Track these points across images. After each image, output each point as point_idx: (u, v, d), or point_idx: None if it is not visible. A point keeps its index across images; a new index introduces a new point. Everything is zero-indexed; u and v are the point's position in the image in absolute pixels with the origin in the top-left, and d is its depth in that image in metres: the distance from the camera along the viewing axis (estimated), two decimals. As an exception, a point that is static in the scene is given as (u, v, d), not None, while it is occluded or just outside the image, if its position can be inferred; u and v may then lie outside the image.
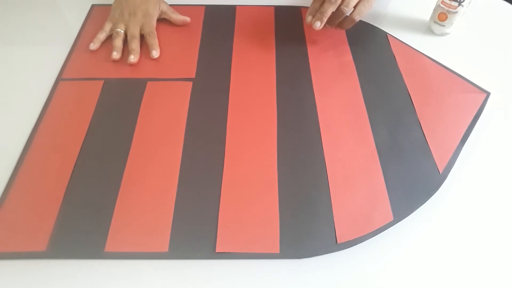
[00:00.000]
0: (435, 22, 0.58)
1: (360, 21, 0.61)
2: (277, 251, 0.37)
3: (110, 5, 0.62)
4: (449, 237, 0.39)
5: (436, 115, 0.48)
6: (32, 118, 0.47)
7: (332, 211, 0.40)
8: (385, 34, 0.59)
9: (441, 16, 0.57)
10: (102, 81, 0.51)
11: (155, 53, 0.54)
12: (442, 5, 0.56)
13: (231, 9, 0.63)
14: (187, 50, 0.56)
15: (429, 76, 0.52)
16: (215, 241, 0.37)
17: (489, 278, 0.36)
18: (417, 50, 0.56)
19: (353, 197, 0.41)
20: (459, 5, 0.54)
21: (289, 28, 0.60)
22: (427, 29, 0.61)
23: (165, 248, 0.37)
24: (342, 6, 0.51)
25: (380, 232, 0.38)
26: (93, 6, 0.63)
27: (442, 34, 0.59)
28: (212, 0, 0.64)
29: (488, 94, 0.51)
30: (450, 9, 0.55)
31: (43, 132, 0.46)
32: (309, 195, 0.41)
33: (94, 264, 0.36)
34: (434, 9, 0.58)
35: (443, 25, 0.58)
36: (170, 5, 0.63)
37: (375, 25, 0.61)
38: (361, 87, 0.51)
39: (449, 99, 0.50)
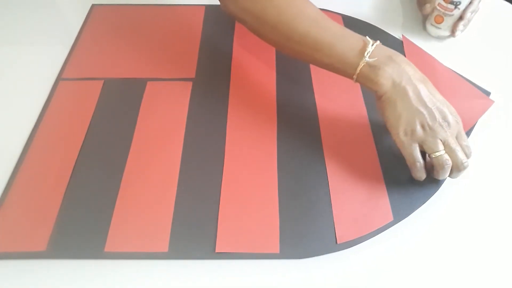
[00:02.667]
0: (431, 24, 0.58)
1: (360, 21, 0.61)
2: (277, 251, 0.37)
3: (110, 5, 0.62)
4: (449, 237, 0.39)
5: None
6: (32, 118, 0.47)
7: (332, 211, 0.40)
8: (385, 34, 0.59)
9: (438, 18, 0.57)
10: (102, 81, 0.51)
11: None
12: (438, 8, 0.56)
13: (231, 9, 0.63)
14: (187, 50, 0.56)
15: (435, 78, 0.52)
16: (215, 241, 0.37)
17: (489, 278, 0.36)
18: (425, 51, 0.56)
19: (353, 197, 0.41)
20: (455, 7, 0.54)
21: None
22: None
23: (165, 248, 0.37)
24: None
25: (380, 232, 0.38)
26: (93, 6, 0.63)
27: (439, 37, 0.59)
28: (212, 0, 0.64)
29: (488, 93, 0.51)
30: (447, 12, 0.55)
31: (43, 132, 0.46)
32: (309, 195, 0.41)
33: (94, 264, 0.36)
34: (431, 12, 0.58)
35: (439, 28, 0.57)
36: (170, 5, 0.63)
37: (375, 25, 0.61)
38: (362, 87, 0.51)
39: (453, 102, 0.49)
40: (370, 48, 0.39)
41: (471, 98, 0.50)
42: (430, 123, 0.38)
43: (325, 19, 0.42)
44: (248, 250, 0.37)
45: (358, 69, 0.40)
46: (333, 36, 0.41)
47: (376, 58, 0.39)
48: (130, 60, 0.54)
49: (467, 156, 0.40)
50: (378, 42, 0.41)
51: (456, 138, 0.40)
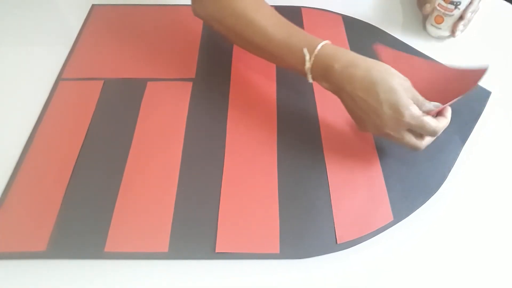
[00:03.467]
0: (431, 24, 0.58)
1: (360, 21, 0.61)
2: (277, 251, 0.37)
3: (110, 5, 0.62)
4: (449, 237, 0.39)
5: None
6: (32, 118, 0.47)
7: (332, 211, 0.40)
8: (385, 34, 0.59)
9: (438, 18, 0.57)
10: (102, 81, 0.51)
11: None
12: (438, 8, 0.56)
13: (231, 9, 0.63)
14: (187, 50, 0.56)
15: (417, 76, 0.51)
16: (215, 241, 0.37)
17: (489, 278, 0.36)
18: (417, 50, 0.56)
19: (353, 197, 0.41)
20: (455, 8, 0.54)
21: (289, 28, 0.60)
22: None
23: (165, 248, 0.37)
24: None
25: (380, 232, 0.38)
26: (93, 6, 0.63)
27: (439, 37, 0.59)
28: (212, 0, 0.64)
29: (489, 93, 0.51)
30: (447, 12, 0.55)
31: (43, 132, 0.46)
32: (309, 195, 0.41)
33: (94, 264, 0.36)
34: (431, 12, 0.58)
35: (440, 28, 0.57)
36: (170, 5, 0.63)
37: (375, 25, 0.61)
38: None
39: (443, 86, 0.49)
40: (308, 64, 0.40)
41: (461, 76, 0.50)
42: (375, 125, 0.39)
43: (274, 26, 0.43)
44: (248, 250, 0.37)
45: (310, 80, 0.42)
46: (279, 49, 0.42)
47: (312, 80, 0.42)
48: (130, 60, 0.54)
49: (428, 133, 0.39)
50: (316, 51, 0.40)
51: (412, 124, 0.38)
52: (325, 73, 0.40)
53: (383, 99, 0.37)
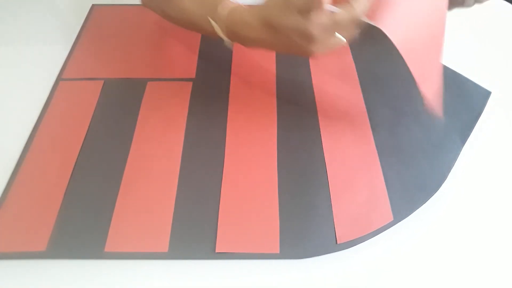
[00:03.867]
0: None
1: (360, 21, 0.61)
2: (277, 251, 0.37)
3: (110, 5, 0.62)
4: (449, 237, 0.39)
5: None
6: (32, 118, 0.47)
7: (332, 211, 0.40)
8: (385, 34, 0.59)
9: None
10: (102, 81, 0.51)
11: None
12: None
13: (231, 9, 0.63)
14: (187, 50, 0.56)
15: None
16: (215, 241, 0.37)
17: (489, 278, 0.36)
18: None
19: (353, 197, 0.41)
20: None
21: (289, 28, 0.60)
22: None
23: (165, 248, 0.37)
24: None
25: (380, 232, 0.38)
26: (93, 6, 0.63)
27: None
28: (212, 0, 0.64)
29: (489, 93, 0.51)
30: None
31: (43, 132, 0.46)
32: (309, 195, 0.41)
33: (94, 264, 0.36)
34: None
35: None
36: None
37: (375, 25, 0.61)
38: (361, 86, 0.51)
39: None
40: (221, 34, 0.42)
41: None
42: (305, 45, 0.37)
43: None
44: (248, 250, 0.37)
45: (229, 46, 0.43)
46: (197, 19, 0.43)
47: (231, 46, 0.43)
48: (130, 60, 0.54)
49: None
50: (223, 19, 0.40)
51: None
52: (236, 37, 0.41)
53: (282, 26, 0.36)
